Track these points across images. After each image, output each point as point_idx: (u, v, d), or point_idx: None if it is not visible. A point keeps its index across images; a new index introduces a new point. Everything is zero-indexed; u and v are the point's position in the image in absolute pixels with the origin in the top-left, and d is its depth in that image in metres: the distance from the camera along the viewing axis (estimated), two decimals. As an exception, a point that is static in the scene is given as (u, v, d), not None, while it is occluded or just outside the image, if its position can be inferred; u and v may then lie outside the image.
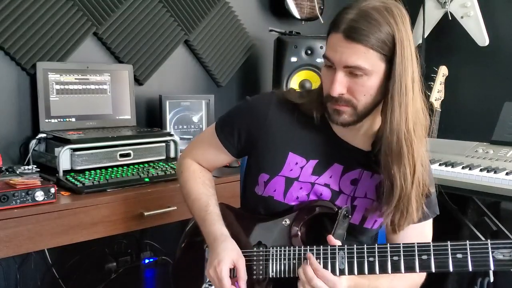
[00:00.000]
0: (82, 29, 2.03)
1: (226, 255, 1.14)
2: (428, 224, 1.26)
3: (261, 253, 1.18)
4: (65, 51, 2.00)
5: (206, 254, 1.23)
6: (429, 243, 1.04)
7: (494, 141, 2.23)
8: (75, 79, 2.00)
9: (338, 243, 1.10)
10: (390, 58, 1.09)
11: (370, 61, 1.07)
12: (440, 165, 2.09)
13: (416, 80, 1.13)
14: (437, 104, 2.62)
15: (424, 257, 1.03)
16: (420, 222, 1.21)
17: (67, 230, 1.54)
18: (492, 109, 2.40)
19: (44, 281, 2.03)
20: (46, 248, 1.76)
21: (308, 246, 1.12)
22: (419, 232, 1.23)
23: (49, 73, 1.92)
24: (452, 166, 2.05)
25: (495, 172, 1.92)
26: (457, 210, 2.34)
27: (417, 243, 1.05)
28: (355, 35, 1.06)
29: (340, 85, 1.09)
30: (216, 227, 1.20)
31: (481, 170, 1.97)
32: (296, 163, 1.22)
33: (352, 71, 1.08)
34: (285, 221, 1.19)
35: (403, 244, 1.05)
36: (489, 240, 1.00)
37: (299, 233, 1.18)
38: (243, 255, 1.17)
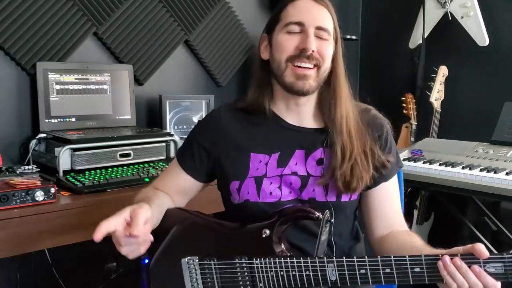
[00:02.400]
0: (82, 29, 2.03)
1: (127, 208, 1.09)
2: (396, 180, 1.33)
3: (244, 264, 1.13)
4: (65, 51, 2.00)
5: (182, 267, 1.18)
6: (421, 256, 1.02)
7: (494, 141, 2.24)
8: (75, 79, 2.00)
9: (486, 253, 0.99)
10: (336, 37, 1.26)
11: (330, 28, 1.24)
12: (440, 165, 2.09)
13: None
14: (437, 104, 2.62)
15: (417, 269, 1.01)
16: (391, 177, 1.30)
17: (67, 230, 1.54)
18: (492, 109, 2.40)
19: (44, 281, 2.03)
20: (46, 248, 1.76)
21: (295, 258, 1.09)
22: (392, 188, 1.31)
23: (49, 73, 1.92)
24: (452, 166, 2.05)
25: (495, 172, 1.92)
26: (457, 210, 2.34)
27: (409, 256, 1.02)
28: (322, 0, 1.24)
29: (314, 41, 1.20)
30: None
31: (481, 170, 1.97)
32: (260, 161, 1.25)
33: (320, 33, 1.21)
34: (265, 232, 1.13)
35: (394, 256, 1.03)
36: (481, 260, 0.98)
37: (282, 246, 1.14)
38: (225, 267, 1.14)
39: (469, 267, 0.97)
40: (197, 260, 1.16)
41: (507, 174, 1.90)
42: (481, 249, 0.97)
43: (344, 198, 1.25)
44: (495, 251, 0.99)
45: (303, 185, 1.24)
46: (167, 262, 1.23)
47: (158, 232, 1.23)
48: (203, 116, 2.32)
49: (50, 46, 1.95)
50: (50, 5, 1.93)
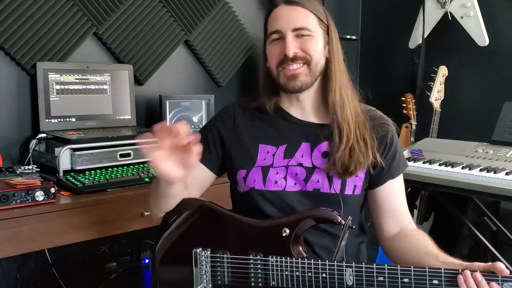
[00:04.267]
0: (82, 29, 2.03)
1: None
2: (401, 179, 1.36)
3: (258, 261, 1.14)
4: (65, 51, 2.00)
5: (193, 257, 1.18)
6: (440, 268, 1.03)
7: (494, 141, 2.23)
8: (75, 79, 2.00)
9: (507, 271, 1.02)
10: (327, 27, 1.30)
11: (312, 24, 1.27)
12: (440, 165, 2.09)
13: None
14: (437, 104, 2.62)
15: (435, 281, 1.03)
16: (397, 175, 1.33)
17: (67, 230, 1.54)
18: (492, 109, 2.40)
19: (44, 281, 2.03)
20: (46, 248, 1.76)
21: (313, 260, 1.11)
22: (398, 186, 1.34)
23: (49, 73, 1.92)
24: (452, 166, 2.05)
25: (495, 172, 1.92)
26: (457, 210, 2.34)
27: (428, 268, 1.03)
28: (294, 0, 1.27)
29: (292, 45, 1.25)
30: None
31: (481, 170, 1.97)
32: (268, 152, 1.31)
33: (300, 33, 1.26)
34: (285, 230, 1.15)
35: (413, 267, 1.05)
36: (500, 278, 1.00)
37: (300, 247, 1.15)
38: (238, 261, 1.16)
39: (488, 283, 1.00)
40: (209, 253, 1.18)
41: (507, 174, 1.90)
42: (502, 266, 1.00)
43: (348, 190, 1.28)
44: (507, 263, 1.02)
45: (308, 177, 1.27)
46: (177, 250, 1.24)
47: (170, 218, 1.27)
48: (203, 116, 2.34)
49: (50, 46, 1.95)
50: (50, 5, 1.93)
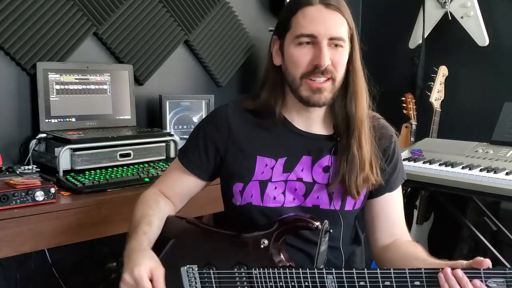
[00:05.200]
0: (82, 29, 2.03)
1: (144, 261, 1.07)
2: (400, 190, 1.33)
3: (243, 274, 1.12)
4: (65, 51, 2.00)
5: (182, 275, 1.16)
6: (421, 269, 1.00)
7: (494, 141, 2.24)
8: (75, 79, 2.00)
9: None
10: (351, 34, 1.19)
11: (345, 33, 1.17)
12: (440, 165, 2.09)
13: None
14: (437, 104, 2.62)
15: (417, 283, 1.00)
16: (395, 188, 1.30)
17: (67, 230, 1.54)
18: (492, 109, 2.40)
19: (44, 281, 2.03)
20: (46, 248, 1.76)
21: (294, 269, 1.08)
22: (396, 198, 1.30)
23: (49, 73, 1.92)
24: (452, 166, 2.05)
25: (495, 172, 1.92)
26: (457, 210, 2.34)
27: (409, 269, 1.00)
28: (334, 3, 1.15)
29: (328, 55, 1.14)
30: (137, 241, 1.14)
31: (481, 170, 1.97)
32: (266, 165, 1.23)
33: (334, 43, 1.15)
34: (263, 242, 1.12)
35: (393, 269, 1.01)
36: (482, 270, 0.96)
37: (281, 256, 1.13)
38: (224, 276, 1.13)
39: (470, 281, 0.96)
40: (196, 269, 1.16)
41: (507, 174, 1.90)
42: (482, 259, 0.96)
43: (348, 206, 1.24)
44: (506, 263, 0.98)
45: (308, 192, 1.22)
46: (167, 271, 1.22)
47: (157, 240, 1.23)
48: (203, 116, 2.34)
49: (50, 46, 1.95)
50: (50, 5, 1.93)
